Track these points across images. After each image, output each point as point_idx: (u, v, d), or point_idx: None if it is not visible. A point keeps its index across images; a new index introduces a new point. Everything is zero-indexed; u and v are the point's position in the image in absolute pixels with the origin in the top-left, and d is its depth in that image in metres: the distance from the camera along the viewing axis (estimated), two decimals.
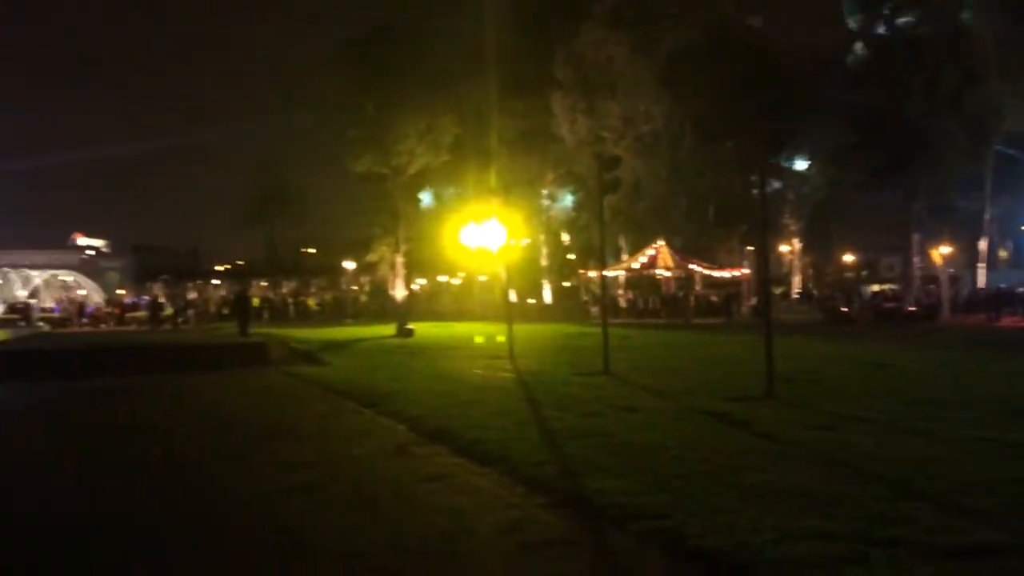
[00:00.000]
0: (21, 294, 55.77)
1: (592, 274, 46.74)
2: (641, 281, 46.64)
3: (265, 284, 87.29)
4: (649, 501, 5.84)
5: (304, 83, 32.44)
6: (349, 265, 69.69)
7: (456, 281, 71.78)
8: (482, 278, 53.91)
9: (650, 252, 42.76)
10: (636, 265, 43.42)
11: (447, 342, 24.91)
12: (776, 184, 44.54)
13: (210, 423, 11.67)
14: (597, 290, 46.36)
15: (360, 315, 49.69)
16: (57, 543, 5.78)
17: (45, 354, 22.35)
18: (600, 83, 39.98)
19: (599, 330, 17.80)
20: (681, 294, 42.97)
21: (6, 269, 59.25)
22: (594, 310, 42.92)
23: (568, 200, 47.10)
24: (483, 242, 22.79)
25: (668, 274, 43.42)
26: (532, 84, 39.97)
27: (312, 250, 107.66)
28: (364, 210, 38.44)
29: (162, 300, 52.40)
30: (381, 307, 51.48)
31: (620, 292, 45.95)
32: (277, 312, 52.38)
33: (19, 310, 46.67)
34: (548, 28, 40.70)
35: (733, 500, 5.81)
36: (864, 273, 66.71)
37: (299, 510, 6.45)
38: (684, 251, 44.04)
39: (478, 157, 37.83)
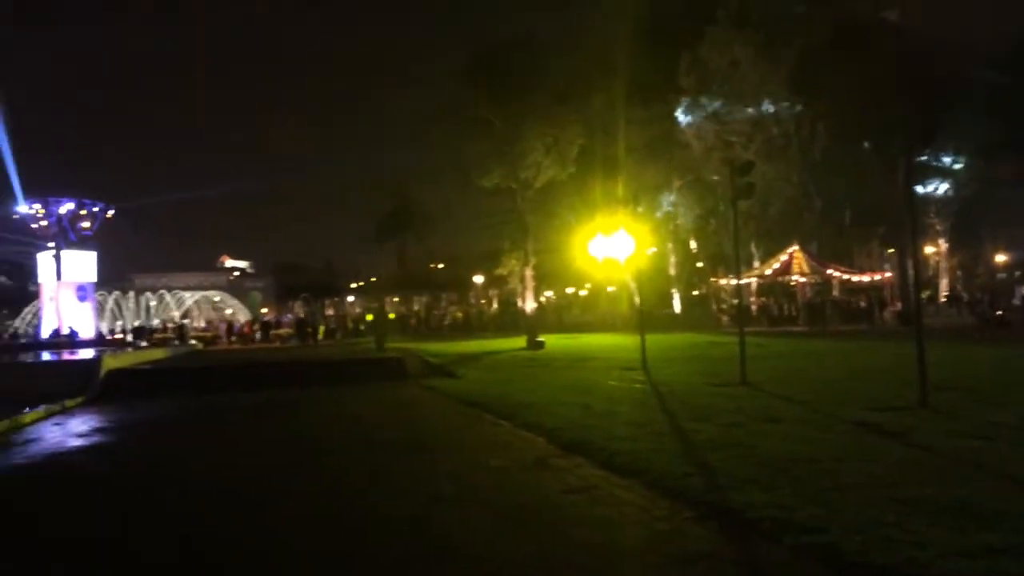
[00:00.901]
0: (175, 315, 59.44)
1: (723, 282, 45.78)
2: (774, 288, 45.35)
3: (397, 299, 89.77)
4: (802, 514, 5.67)
5: (433, 101, 33.32)
6: (478, 279, 70.86)
7: (584, 292, 71.78)
8: (610, 288, 53.64)
9: (783, 257, 41.55)
10: (769, 271, 42.25)
11: (578, 353, 24.89)
12: (934, 184, 42.34)
13: (354, 436, 12.08)
14: (728, 298, 45.37)
15: (488, 328, 50.32)
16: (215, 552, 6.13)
17: (201, 370, 23.75)
18: (726, 87, 39.22)
19: (732, 339, 17.41)
20: (818, 300, 41.46)
21: (162, 291, 63.38)
22: (725, 319, 42.01)
23: (696, 207, 46.26)
24: (611, 252, 22.68)
25: (803, 280, 42.04)
26: (656, 91, 39.60)
27: (441, 265, 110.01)
28: (492, 224, 39.03)
29: (304, 317, 54.61)
30: (511, 320, 52.06)
31: (752, 299, 44.76)
32: (409, 326, 53.67)
33: (174, 329, 49.72)
34: (671, 34, 40.25)
35: (892, 514, 5.57)
36: (1018, 274, 62.41)
37: (445, 521, 6.60)
38: (820, 255, 42.55)
39: (604, 167, 37.73)
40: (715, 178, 39.95)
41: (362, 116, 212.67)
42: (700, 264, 52.90)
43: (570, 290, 73.61)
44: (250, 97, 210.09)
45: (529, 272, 31.35)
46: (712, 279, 49.33)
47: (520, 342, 29.93)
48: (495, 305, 74.59)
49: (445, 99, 31.98)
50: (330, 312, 75.90)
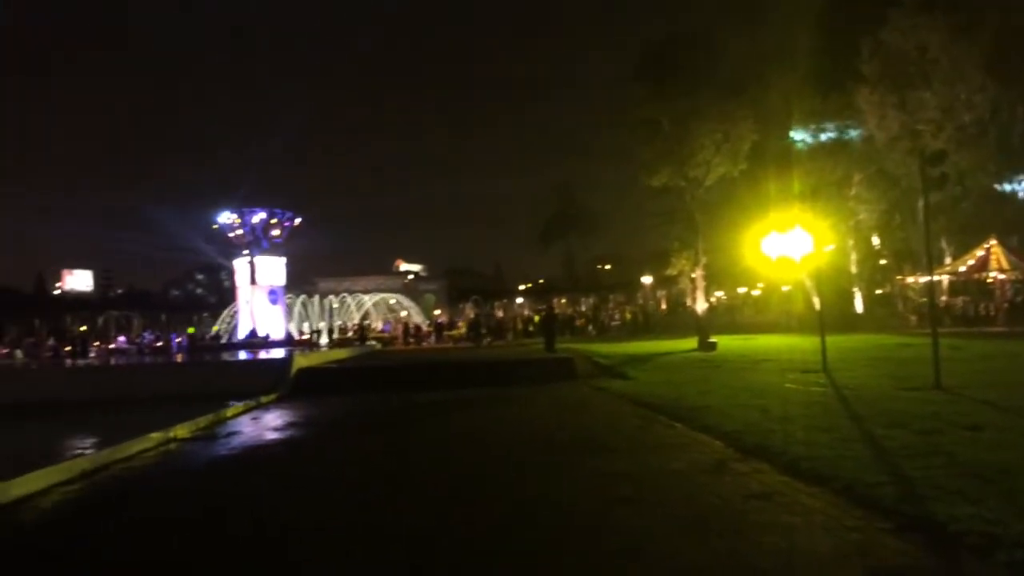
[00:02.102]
0: (356, 316, 62.50)
1: (910, 280, 43.03)
2: (968, 286, 42.15)
3: (564, 301, 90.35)
4: (1016, 529, 5.23)
5: (601, 102, 33.29)
6: (646, 279, 70.18)
7: (756, 292, 69.53)
8: (785, 288, 51.60)
9: (980, 253, 38.53)
10: (963, 268, 39.31)
11: (752, 355, 24.14)
12: None
13: (528, 435, 12.25)
14: (916, 297, 42.54)
15: (657, 329, 49.70)
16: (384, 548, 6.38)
17: (380, 370, 24.84)
18: (912, 74, 36.77)
19: (920, 340, 16.33)
20: (1020, 299, 38.16)
21: (344, 295, 66.83)
22: (913, 319, 39.46)
23: (879, 201, 43.66)
24: (786, 250, 21.85)
25: (1003, 276, 38.82)
26: (834, 81, 37.68)
27: (608, 266, 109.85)
28: (660, 223, 38.50)
29: (476, 318, 55.98)
30: (680, 320, 51.09)
31: (944, 298, 41.79)
32: (577, 327, 53.91)
33: (355, 330, 52.33)
34: (850, 21, 38.22)
35: None
36: None
37: (625, 522, 6.54)
38: (1022, 250, 39.18)
39: (778, 162, 36.36)
40: (901, 170, 37.59)
41: (528, 118, 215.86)
42: (884, 261, 49.88)
43: (742, 290, 71.46)
44: (418, 103, 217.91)
45: (699, 272, 30.70)
46: (898, 277, 46.44)
47: (691, 343, 29.39)
48: (664, 306, 73.54)
49: (612, 100, 31.84)
50: (500, 313, 77.35)
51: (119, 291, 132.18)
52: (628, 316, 58.03)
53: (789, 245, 21.28)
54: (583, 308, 79.39)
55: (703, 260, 30.68)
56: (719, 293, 68.53)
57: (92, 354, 46.30)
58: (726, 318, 55.60)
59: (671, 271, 33.15)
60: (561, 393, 17.94)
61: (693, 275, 31.23)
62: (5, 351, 50.82)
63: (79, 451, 10.92)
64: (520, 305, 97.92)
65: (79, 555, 6.50)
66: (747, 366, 20.64)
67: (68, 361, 37.54)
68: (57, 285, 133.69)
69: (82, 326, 72.57)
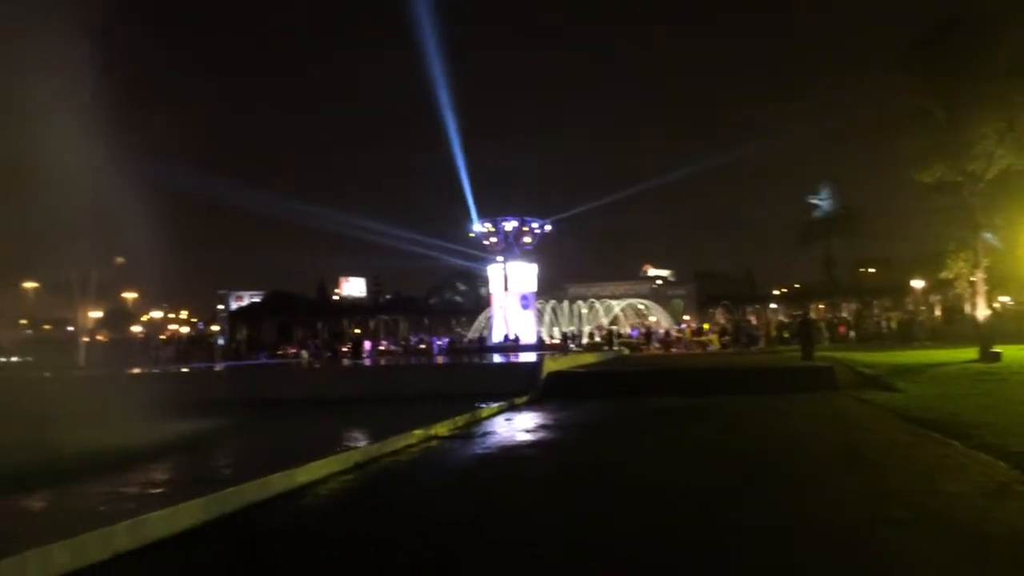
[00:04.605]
0: (604, 321, 63.14)
1: None
2: None
3: (823, 306, 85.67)
4: None
5: (863, 95, 31.05)
6: (917, 284, 64.86)
7: None
8: None
9: None
10: None
11: None
12: None
13: (784, 445, 11.82)
14: None
15: (928, 337, 45.72)
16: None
17: (629, 375, 24.92)
18: None
19: None
20: None
21: (592, 299, 67.85)
22: None
23: None
24: None
25: None
26: None
27: (872, 269, 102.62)
28: (933, 223, 35.34)
29: (726, 325, 54.69)
30: (956, 328, 46.59)
31: None
32: (838, 335, 50.94)
33: (604, 335, 52.89)
34: None
35: None
36: None
37: (896, 546, 6.11)
38: None
39: None
40: None
41: (783, 114, 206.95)
42: None
43: None
44: (669, 105, 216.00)
45: (980, 275, 27.82)
46: None
47: (970, 353, 26.70)
48: (937, 312, 67.67)
49: (876, 92, 29.63)
50: (752, 320, 74.82)
51: (388, 297, 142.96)
52: (895, 323, 53.86)
53: None
54: (844, 314, 74.81)
55: (984, 262, 27.76)
56: (1005, 299, 61.72)
57: (365, 355, 50.54)
58: (1013, 325, 49.90)
59: (946, 274, 30.25)
60: (820, 404, 17.06)
61: (972, 279, 28.34)
62: (293, 351, 56.88)
63: (353, 444, 11.94)
64: (773, 310, 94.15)
65: (352, 539, 7.12)
66: None
67: (345, 361, 41.21)
68: (335, 291, 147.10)
69: (357, 329, 79.30)
